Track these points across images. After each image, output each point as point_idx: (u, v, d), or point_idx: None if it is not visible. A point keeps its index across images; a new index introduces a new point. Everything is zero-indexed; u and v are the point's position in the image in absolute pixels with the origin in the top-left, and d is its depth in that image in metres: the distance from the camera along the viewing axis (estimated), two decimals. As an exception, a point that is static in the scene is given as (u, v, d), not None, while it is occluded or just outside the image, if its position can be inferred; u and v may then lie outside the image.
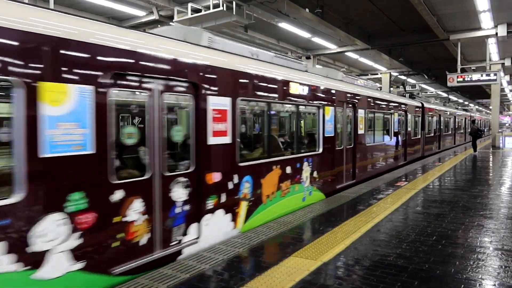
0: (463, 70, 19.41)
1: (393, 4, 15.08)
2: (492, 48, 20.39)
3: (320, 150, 8.53)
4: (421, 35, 18.74)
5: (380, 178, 11.09)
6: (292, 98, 7.51)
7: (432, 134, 21.08)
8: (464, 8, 15.09)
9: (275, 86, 6.97)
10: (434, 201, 7.88)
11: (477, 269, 4.27)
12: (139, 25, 14.87)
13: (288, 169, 7.27)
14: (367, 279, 4.03)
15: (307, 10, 13.92)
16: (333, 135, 9.06)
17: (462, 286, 3.85)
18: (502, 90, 37.31)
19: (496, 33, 17.32)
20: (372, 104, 12.01)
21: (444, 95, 45.66)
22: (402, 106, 15.49)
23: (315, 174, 8.25)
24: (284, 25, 15.85)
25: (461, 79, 18.36)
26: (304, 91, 7.88)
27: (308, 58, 22.55)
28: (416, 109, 17.71)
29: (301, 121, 8.69)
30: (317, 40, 19.43)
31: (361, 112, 10.95)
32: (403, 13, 15.98)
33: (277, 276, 4.10)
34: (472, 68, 24.01)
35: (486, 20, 16.27)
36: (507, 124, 64.72)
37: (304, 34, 17.80)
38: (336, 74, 10.56)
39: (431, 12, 14.89)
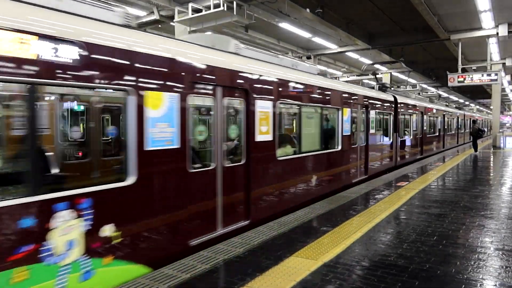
0: (464, 70, 19.40)
1: (394, 4, 15.10)
2: (493, 48, 20.39)
3: (132, 179, 4.48)
4: (422, 35, 18.76)
5: (379, 179, 11.05)
6: (23, 70, 3.54)
7: (412, 137, 17.22)
8: (465, 8, 15.09)
9: None
10: (435, 201, 7.87)
11: (478, 269, 4.27)
12: (139, 25, 14.88)
13: None
14: (368, 279, 4.03)
15: (307, 10, 13.94)
16: (174, 146, 5.02)
17: (463, 286, 3.85)
18: (503, 90, 37.31)
19: (497, 33, 17.33)
20: (294, 94, 7.96)
21: (445, 95, 45.72)
22: (360, 99, 11.46)
23: (109, 231, 4.20)
24: (285, 25, 15.85)
25: (461, 79, 18.34)
26: (68, 56, 3.87)
27: (308, 58, 22.57)
28: (386, 104, 13.96)
29: (58, 119, 4.74)
30: (318, 40, 19.44)
31: (264, 106, 6.86)
32: (403, 13, 15.99)
33: (277, 276, 4.10)
34: (473, 68, 24.02)
35: (487, 20, 16.27)
36: (507, 124, 64.70)
37: (304, 34, 17.81)
38: (227, 44, 6.77)
39: (431, 12, 14.90)
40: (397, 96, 15.38)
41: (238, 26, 14.21)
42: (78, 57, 3.99)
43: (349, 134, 10.47)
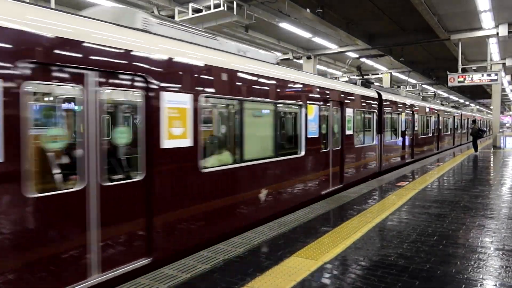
0: (464, 70, 19.41)
1: (394, 4, 15.09)
2: (493, 48, 20.40)
3: None
4: (422, 35, 18.75)
5: (380, 179, 11.03)
6: None
7: (400, 138, 15.58)
8: (465, 8, 15.09)
9: None
10: (435, 201, 7.88)
11: (478, 269, 4.27)
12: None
13: None
14: (368, 279, 4.03)
15: (307, 10, 13.94)
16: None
17: (463, 286, 3.85)
18: (503, 90, 37.30)
19: (497, 33, 17.33)
20: (232, 85, 6.21)
21: (445, 94, 45.74)
22: (332, 95, 9.59)
23: None
24: (285, 25, 15.86)
25: (462, 79, 18.34)
26: None
27: (309, 58, 22.58)
28: (368, 101, 12.24)
29: None
30: (318, 40, 19.44)
31: (177, 100, 5.08)
32: (403, 13, 15.98)
33: (278, 276, 4.10)
34: (473, 68, 24.02)
35: (487, 20, 16.28)
36: (507, 124, 64.78)
37: (304, 34, 17.81)
38: (132, 19, 5.13)
39: (431, 12, 14.90)
40: (382, 93, 13.66)
41: (238, 26, 14.21)
42: None
43: (316, 136, 8.74)
